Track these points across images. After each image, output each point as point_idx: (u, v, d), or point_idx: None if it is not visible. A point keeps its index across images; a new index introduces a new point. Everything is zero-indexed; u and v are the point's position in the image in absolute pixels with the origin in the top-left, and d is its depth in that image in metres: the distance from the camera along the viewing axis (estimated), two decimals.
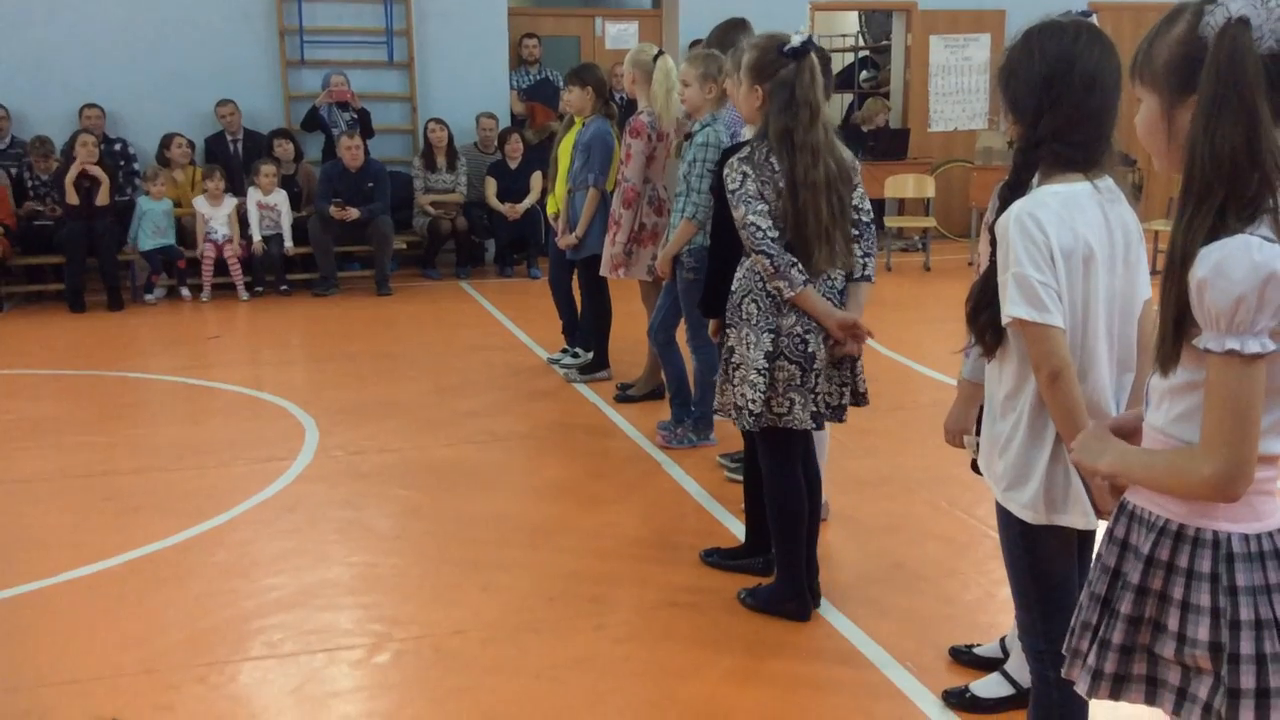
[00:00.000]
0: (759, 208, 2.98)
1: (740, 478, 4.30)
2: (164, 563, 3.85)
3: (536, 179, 9.60)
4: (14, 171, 8.82)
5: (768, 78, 3.00)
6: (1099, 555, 1.69)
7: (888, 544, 3.89)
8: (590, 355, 6.35)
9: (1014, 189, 2.02)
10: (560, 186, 6.33)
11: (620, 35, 11.31)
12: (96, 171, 8.35)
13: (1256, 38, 1.41)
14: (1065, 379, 1.94)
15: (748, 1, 10.52)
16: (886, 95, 12.11)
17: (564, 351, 6.63)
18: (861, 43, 13.60)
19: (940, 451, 5.00)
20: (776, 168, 2.99)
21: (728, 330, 3.18)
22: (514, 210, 9.64)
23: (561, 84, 9.53)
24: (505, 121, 10.27)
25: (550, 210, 6.60)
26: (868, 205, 3.25)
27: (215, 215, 8.86)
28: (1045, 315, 1.92)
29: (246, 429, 5.43)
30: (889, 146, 10.80)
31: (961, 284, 10.16)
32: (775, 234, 2.98)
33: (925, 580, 3.60)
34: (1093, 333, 2.04)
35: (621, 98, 9.11)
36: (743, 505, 3.97)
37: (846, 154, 3.18)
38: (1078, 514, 2.07)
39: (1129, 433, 1.74)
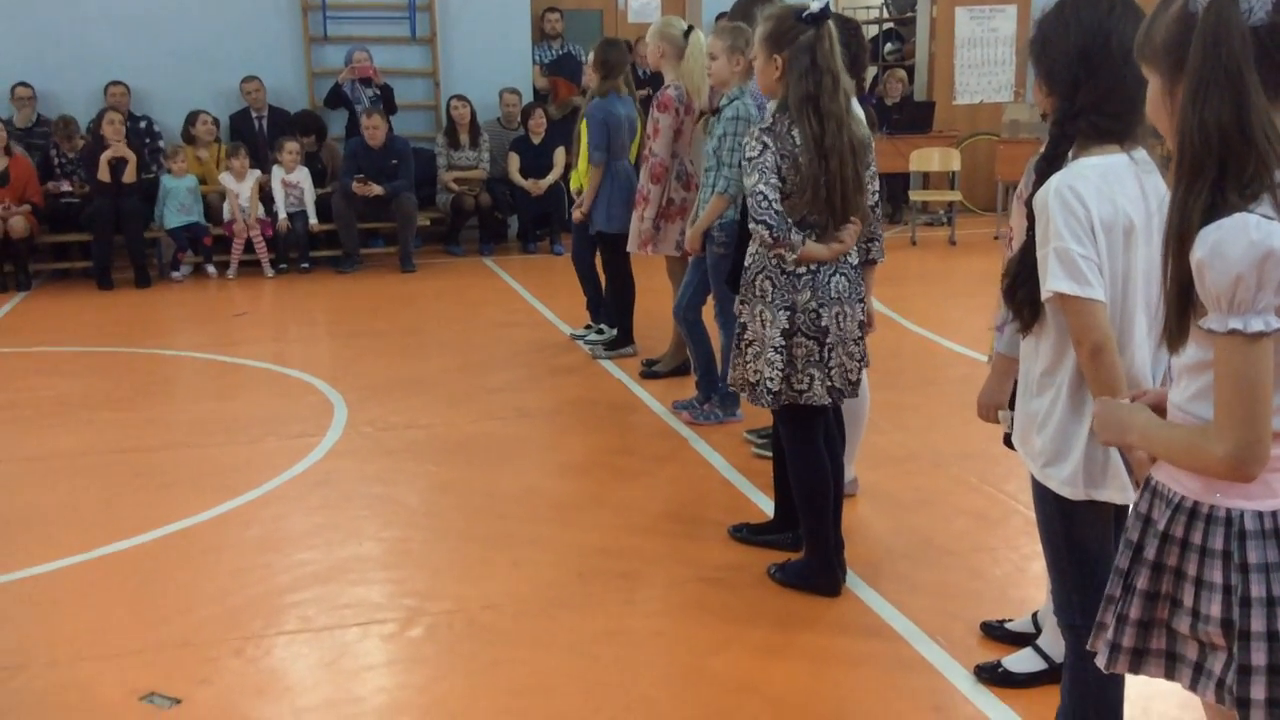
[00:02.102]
0: (772, 179, 2.97)
1: (768, 453, 4.31)
2: (197, 538, 3.88)
3: (560, 154, 9.59)
4: (42, 151, 8.87)
5: (786, 45, 2.97)
6: (1125, 528, 1.69)
7: (917, 519, 3.89)
8: (615, 331, 6.36)
9: (1050, 162, 2.01)
10: (583, 162, 6.32)
11: (643, 8, 11.24)
12: (124, 150, 8.38)
13: (1245, 10, 1.40)
14: (1107, 352, 1.93)
15: None
16: (911, 69, 12.01)
17: (588, 328, 6.63)
18: (886, 15, 13.47)
19: (969, 426, 4.98)
20: (797, 141, 2.98)
21: (740, 306, 3.18)
22: (537, 186, 9.64)
23: (583, 58, 9.51)
24: (528, 96, 10.25)
25: (574, 186, 6.60)
26: (876, 185, 3.25)
27: (241, 190, 8.89)
28: (1086, 289, 1.91)
29: (275, 405, 5.46)
30: (914, 120, 10.71)
31: (987, 258, 10.10)
32: (780, 208, 2.97)
33: (955, 555, 3.60)
34: (1131, 305, 2.03)
35: (644, 72, 9.08)
36: (771, 480, 3.98)
37: (863, 129, 3.17)
38: (1115, 489, 2.06)
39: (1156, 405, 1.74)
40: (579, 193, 6.39)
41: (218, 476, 4.47)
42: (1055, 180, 1.95)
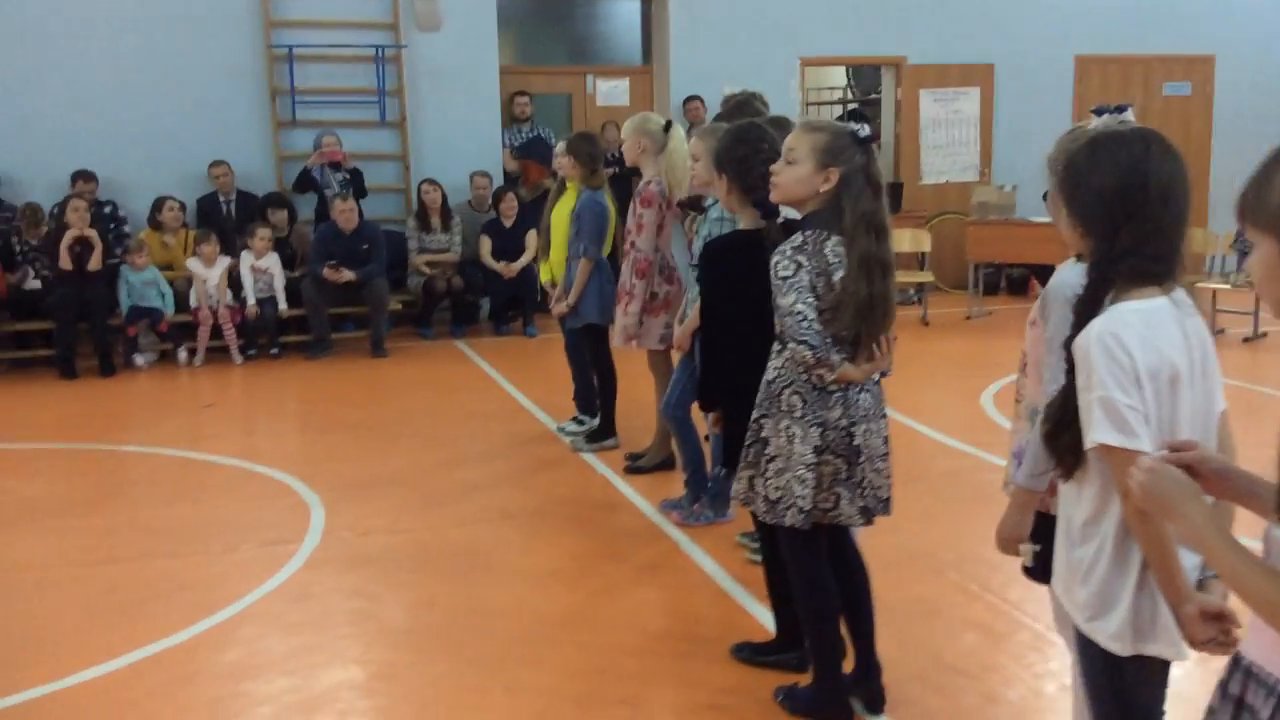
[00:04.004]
0: (809, 298, 2.90)
1: (761, 559, 4.19)
2: (173, 663, 3.70)
3: (531, 237, 9.53)
4: (3, 237, 8.69)
5: (842, 161, 2.93)
6: (1211, 709, 1.61)
7: (923, 634, 3.78)
8: (596, 422, 6.26)
9: (1090, 305, 1.94)
10: (557, 253, 6.26)
11: (611, 92, 11.31)
12: (90, 235, 8.23)
13: None
14: None
15: (737, 57, 10.63)
16: (878, 149, 12.14)
17: (575, 420, 6.50)
18: (850, 96, 13.66)
19: (965, 526, 4.92)
20: (830, 259, 2.92)
21: (762, 420, 3.08)
22: (509, 269, 9.59)
23: (553, 141, 9.52)
24: (499, 179, 10.22)
25: (544, 278, 6.51)
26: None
27: (209, 277, 8.74)
28: (1133, 440, 1.84)
29: (249, 508, 5.28)
30: None
31: (960, 338, 10.09)
32: (819, 327, 2.90)
33: (966, 676, 3.49)
34: None
35: (611, 155, 9.06)
36: (767, 591, 3.87)
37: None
38: (1166, 644, 1.97)
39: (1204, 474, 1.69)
40: (551, 285, 6.31)
41: (192, 592, 4.29)
42: (1096, 326, 1.89)
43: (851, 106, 13.54)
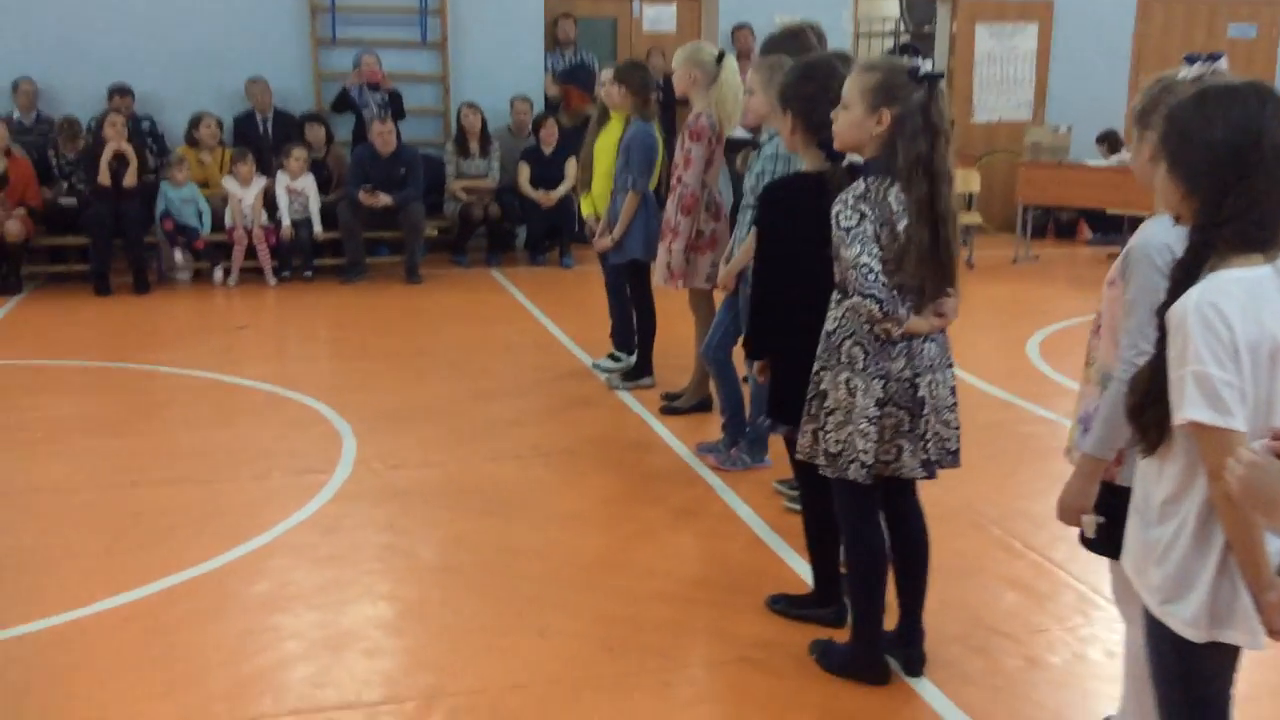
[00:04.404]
0: (874, 249, 2.76)
1: (799, 507, 4.10)
2: (203, 592, 3.66)
3: (571, 165, 9.36)
4: (39, 150, 8.62)
5: (897, 101, 2.75)
6: None
7: (963, 593, 3.67)
8: (632, 359, 6.15)
9: (1189, 272, 1.80)
10: (599, 185, 6.10)
11: (658, 17, 11.02)
12: (126, 150, 8.15)
13: None
14: None
15: None
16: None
17: (611, 357, 6.39)
18: (903, 29, 13.28)
19: (1007, 480, 4.79)
20: (894, 206, 2.77)
21: (821, 373, 2.96)
22: (548, 198, 9.43)
23: (596, 67, 9.29)
24: (540, 105, 10.02)
25: (586, 211, 6.36)
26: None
27: (245, 196, 8.66)
28: (1227, 419, 1.71)
29: (281, 435, 5.23)
30: None
31: (1007, 283, 9.88)
32: (885, 280, 2.76)
33: (1008, 638, 3.38)
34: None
35: (659, 83, 8.82)
36: (804, 542, 3.77)
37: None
38: (1243, 631, 1.85)
39: None
40: (594, 219, 6.15)
41: (222, 518, 4.25)
42: (1195, 295, 1.74)
43: (904, 39, 13.18)
